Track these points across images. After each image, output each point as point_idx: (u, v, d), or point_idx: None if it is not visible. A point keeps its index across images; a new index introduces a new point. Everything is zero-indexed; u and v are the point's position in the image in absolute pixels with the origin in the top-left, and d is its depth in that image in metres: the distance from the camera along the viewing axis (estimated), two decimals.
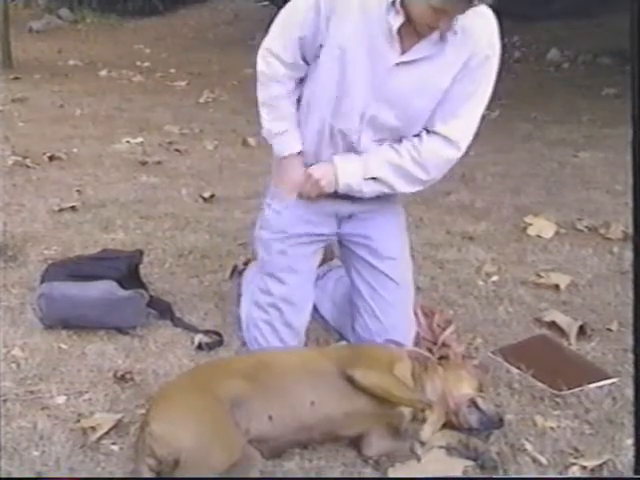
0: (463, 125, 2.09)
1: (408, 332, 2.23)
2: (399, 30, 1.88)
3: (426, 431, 1.74)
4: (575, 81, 8.09)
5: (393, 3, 1.85)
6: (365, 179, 2.07)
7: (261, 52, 2.05)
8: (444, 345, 2.18)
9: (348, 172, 2.06)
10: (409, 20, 1.86)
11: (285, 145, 2.12)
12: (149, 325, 2.38)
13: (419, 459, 1.71)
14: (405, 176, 2.08)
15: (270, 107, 2.11)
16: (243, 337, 2.27)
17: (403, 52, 1.92)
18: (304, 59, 2.02)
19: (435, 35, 1.90)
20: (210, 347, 2.24)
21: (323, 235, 2.22)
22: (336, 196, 2.13)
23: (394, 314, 2.21)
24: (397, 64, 1.93)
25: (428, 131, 2.05)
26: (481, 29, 1.94)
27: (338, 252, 2.41)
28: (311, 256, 2.24)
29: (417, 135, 2.06)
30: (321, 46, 1.96)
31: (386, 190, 2.11)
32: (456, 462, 1.73)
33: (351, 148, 2.07)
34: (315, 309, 2.37)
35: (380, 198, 2.16)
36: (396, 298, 2.22)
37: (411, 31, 1.89)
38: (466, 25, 1.88)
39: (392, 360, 1.85)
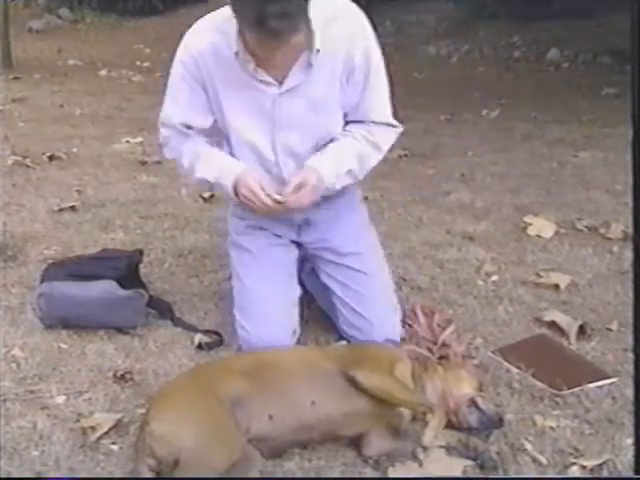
0: (387, 104, 2.13)
1: (392, 321, 2.25)
2: (260, 65, 1.94)
3: (428, 436, 1.73)
4: (575, 81, 8.10)
5: (236, 54, 1.92)
6: (340, 174, 2.08)
7: (160, 143, 2.19)
8: (444, 345, 2.18)
9: (330, 173, 2.05)
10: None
11: (231, 170, 2.03)
12: (149, 325, 2.38)
13: (421, 464, 1.71)
14: (364, 161, 2.12)
15: (189, 157, 2.11)
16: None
17: (281, 83, 1.98)
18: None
19: (301, 59, 1.94)
20: (210, 347, 2.24)
21: (282, 237, 2.26)
22: None
23: (371, 304, 2.22)
24: (279, 94, 2.00)
25: (366, 121, 2.10)
26: (340, 30, 1.97)
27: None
28: (278, 256, 2.26)
29: (356, 123, 2.11)
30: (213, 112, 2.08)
31: (351, 181, 2.14)
32: (456, 462, 1.72)
33: (279, 179, 2.11)
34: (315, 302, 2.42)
35: (332, 198, 2.18)
36: (369, 289, 2.24)
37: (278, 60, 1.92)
38: (325, 35, 1.92)
39: (393, 361, 1.85)
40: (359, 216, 2.38)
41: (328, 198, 2.16)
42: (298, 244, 2.32)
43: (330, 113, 2.08)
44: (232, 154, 2.12)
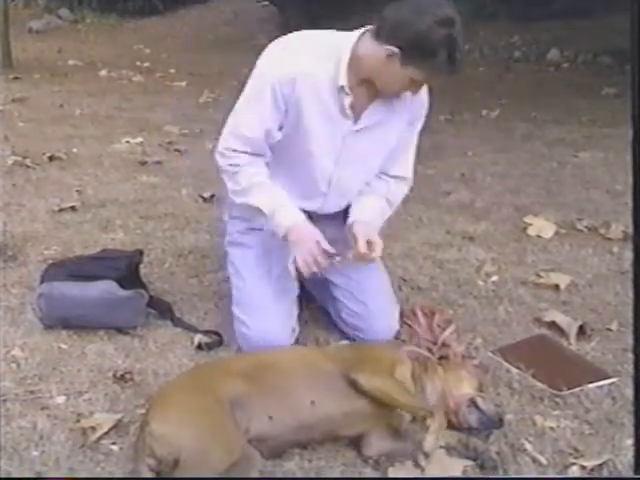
0: (411, 161, 2.30)
1: (392, 312, 2.33)
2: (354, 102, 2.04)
3: (429, 441, 1.72)
4: (575, 81, 8.10)
5: (341, 87, 1.99)
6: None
7: (221, 151, 2.12)
8: (444, 345, 2.19)
9: (377, 229, 2.19)
10: (361, 81, 2.00)
11: (289, 216, 2.09)
12: (149, 325, 2.38)
13: (422, 470, 1.70)
14: (382, 218, 2.27)
15: (246, 193, 2.11)
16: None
17: (356, 118, 2.08)
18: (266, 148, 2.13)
19: (383, 100, 2.07)
20: (210, 347, 2.24)
21: None
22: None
23: (372, 294, 2.29)
24: (351, 132, 2.10)
25: (386, 174, 2.26)
26: (422, 91, 2.10)
27: None
28: (278, 256, 2.25)
29: (378, 179, 2.26)
30: (281, 128, 2.08)
31: None
32: (456, 462, 1.72)
33: (316, 207, 2.23)
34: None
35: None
36: (370, 280, 2.30)
37: (362, 93, 2.04)
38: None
39: (393, 362, 1.85)
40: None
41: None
42: None
43: (382, 159, 2.22)
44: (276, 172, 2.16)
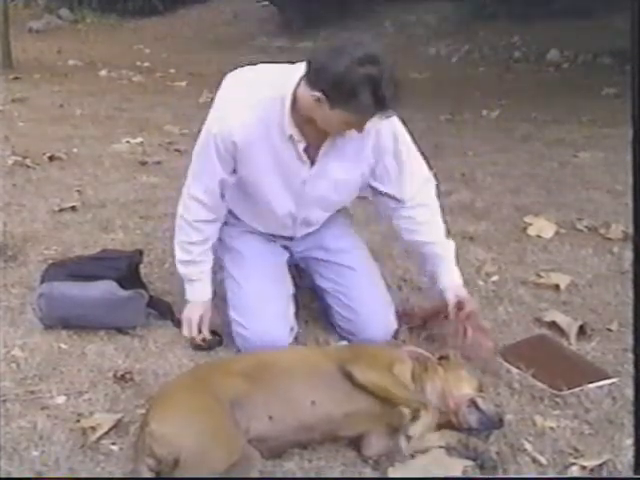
0: (416, 167, 2.25)
1: (385, 314, 2.31)
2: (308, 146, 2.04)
3: (415, 427, 1.73)
4: (575, 81, 8.10)
5: (290, 137, 1.99)
6: None
7: (182, 197, 2.21)
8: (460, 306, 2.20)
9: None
10: (308, 120, 1.97)
11: (196, 293, 2.26)
12: (149, 325, 2.38)
13: (401, 452, 1.72)
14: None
15: (184, 251, 2.24)
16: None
17: (312, 160, 2.08)
18: (223, 196, 2.18)
19: (335, 138, 2.04)
20: (210, 346, 2.24)
21: (275, 237, 2.33)
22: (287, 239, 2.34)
23: (362, 298, 2.28)
24: (310, 176, 2.10)
25: (407, 204, 2.25)
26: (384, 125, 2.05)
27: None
28: (271, 258, 2.32)
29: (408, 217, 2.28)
30: (234, 171, 2.11)
31: None
32: (456, 462, 1.72)
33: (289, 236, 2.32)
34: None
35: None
36: (359, 284, 2.30)
37: (312, 131, 2.00)
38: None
39: (392, 360, 1.86)
40: (346, 215, 2.47)
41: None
42: (288, 251, 2.38)
43: (349, 193, 2.25)
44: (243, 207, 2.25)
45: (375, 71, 1.77)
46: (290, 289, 2.31)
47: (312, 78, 1.85)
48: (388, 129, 2.09)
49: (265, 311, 2.18)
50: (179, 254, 2.25)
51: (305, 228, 2.30)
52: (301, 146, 2.02)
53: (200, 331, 2.24)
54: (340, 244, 2.36)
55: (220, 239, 2.33)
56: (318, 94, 1.84)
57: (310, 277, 2.42)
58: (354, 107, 1.82)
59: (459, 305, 2.20)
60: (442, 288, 2.25)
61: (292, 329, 2.23)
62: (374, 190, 2.25)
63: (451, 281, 2.25)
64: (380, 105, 1.81)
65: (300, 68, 1.92)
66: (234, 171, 2.10)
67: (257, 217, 2.26)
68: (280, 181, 2.10)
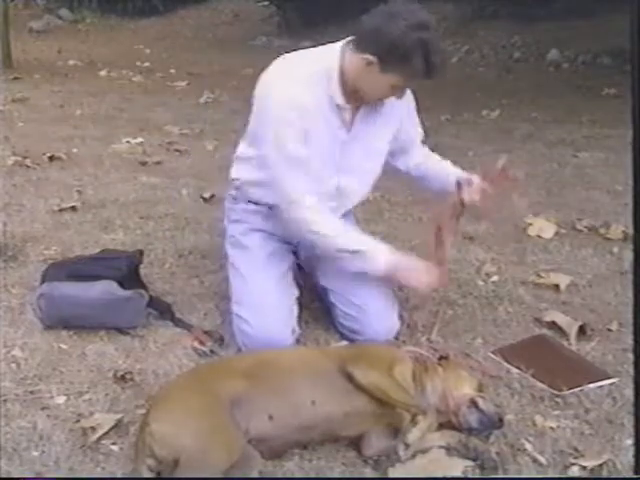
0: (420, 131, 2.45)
1: (389, 314, 2.31)
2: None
3: (413, 434, 1.73)
4: (575, 81, 8.09)
5: (339, 105, 2.07)
6: None
7: (295, 205, 2.10)
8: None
9: None
10: (350, 92, 2.06)
11: (379, 249, 2.13)
12: (149, 325, 2.37)
13: (400, 460, 1.72)
14: None
15: (343, 237, 2.12)
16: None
17: (347, 128, 2.15)
18: None
19: (369, 106, 2.13)
20: (212, 351, 2.24)
21: (285, 236, 2.32)
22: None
23: (367, 297, 2.27)
24: (347, 140, 2.17)
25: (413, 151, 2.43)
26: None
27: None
28: (278, 259, 2.31)
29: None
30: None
31: None
32: (456, 462, 1.72)
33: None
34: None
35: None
36: (365, 283, 2.28)
37: (352, 101, 2.10)
38: None
39: (393, 361, 1.85)
40: (351, 214, 2.47)
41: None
42: (293, 251, 2.39)
43: (379, 160, 2.30)
44: None
45: (428, 37, 1.88)
46: (295, 292, 2.31)
47: (364, 42, 1.94)
48: (410, 100, 2.26)
49: (271, 310, 2.18)
50: (343, 242, 2.12)
51: (343, 203, 2.30)
52: (347, 114, 2.10)
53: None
54: None
55: (230, 235, 2.34)
56: (370, 57, 1.93)
57: (313, 277, 2.42)
58: (405, 71, 1.93)
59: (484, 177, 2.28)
60: (458, 178, 2.31)
61: (294, 331, 2.23)
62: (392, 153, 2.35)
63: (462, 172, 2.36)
64: (430, 70, 1.92)
65: (337, 44, 2.04)
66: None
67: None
68: (326, 150, 2.14)
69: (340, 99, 2.06)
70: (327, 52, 2.08)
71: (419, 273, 2.15)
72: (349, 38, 2.04)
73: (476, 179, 2.26)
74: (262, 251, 2.29)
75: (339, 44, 2.06)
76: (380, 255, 2.12)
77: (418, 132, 2.42)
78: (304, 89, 2.04)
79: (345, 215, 2.37)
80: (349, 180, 2.26)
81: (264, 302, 2.20)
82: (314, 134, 2.07)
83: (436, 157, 2.50)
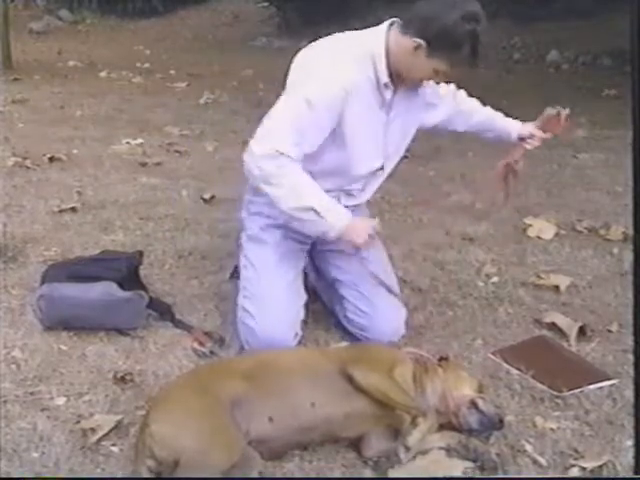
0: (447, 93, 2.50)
1: (398, 313, 2.34)
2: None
3: (414, 437, 1.73)
4: (575, 82, 8.09)
5: (386, 85, 2.09)
6: None
7: (270, 153, 1.98)
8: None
9: None
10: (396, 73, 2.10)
11: (342, 212, 2.08)
12: (149, 326, 2.37)
13: (400, 462, 1.72)
14: None
15: (304, 187, 2.03)
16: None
17: (387, 109, 2.17)
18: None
19: (406, 88, 2.17)
20: (212, 352, 2.24)
21: (300, 241, 2.30)
22: None
23: (379, 293, 2.29)
24: (388, 121, 2.19)
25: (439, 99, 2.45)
26: None
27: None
28: (294, 260, 2.30)
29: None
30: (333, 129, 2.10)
31: None
32: (456, 463, 1.72)
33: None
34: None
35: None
36: (378, 279, 2.29)
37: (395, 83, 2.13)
38: None
39: (393, 362, 1.85)
40: (366, 210, 2.47)
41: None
42: (312, 244, 2.36)
43: (411, 138, 2.34)
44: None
45: (478, 28, 1.96)
46: (304, 296, 2.30)
47: (416, 26, 1.99)
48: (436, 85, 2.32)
49: (279, 308, 2.19)
50: (298, 201, 2.01)
51: (372, 186, 2.32)
52: (389, 94, 2.12)
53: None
54: None
55: (249, 228, 2.32)
56: (420, 41, 1.97)
57: (326, 272, 2.41)
58: (453, 58, 1.99)
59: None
60: (519, 134, 2.46)
61: (297, 335, 2.22)
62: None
63: (515, 124, 2.48)
64: (473, 60, 2.01)
65: (381, 27, 2.09)
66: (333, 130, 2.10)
67: (340, 168, 2.19)
68: (370, 132, 2.17)
69: (385, 77, 2.08)
70: (371, 35, 2.10)
71: (362, 231, 2.07)
72: (394, 19, 2.08)
73: (534, 130, 2.43)
74: (279, 249, 2.27)
75: (383, 26, 2.09)
76: (336, 221, 2.04)
77: (439, 91, 2.42)
78: (351, 70, 2.06)
79: (361, 212, 2.38)
80: (389, 162, 2.30)
81: (273, 300, 2.20)
82: (356, 116, 2.09)
83: (475, 105, 2.58)
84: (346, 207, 2.13)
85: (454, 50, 1.97)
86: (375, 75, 2.08)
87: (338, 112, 2.05)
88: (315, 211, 2.01)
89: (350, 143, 2.13)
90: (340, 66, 2.05)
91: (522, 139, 2.45)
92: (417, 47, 1.98)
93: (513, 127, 2.48)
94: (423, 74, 2.09)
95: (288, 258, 2.27)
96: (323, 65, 2.08)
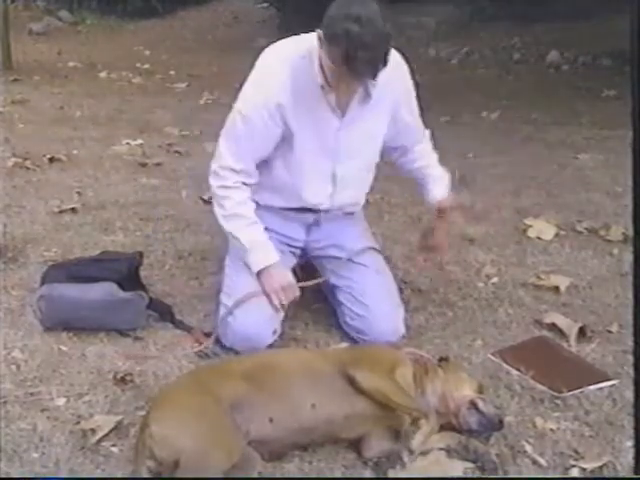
0: (419, 120, 2.44)
1: (395, 315, 2.33)
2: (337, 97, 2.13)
3: (417, 440, 1.73)
4: (575, 83, 8.10)
5: (322, 87, 2.08)
6: None
7: (214, 170, 2.23)
8: None
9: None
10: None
11: (270, 254, 2.21)
12: (149, 327, 2.37)
13: (404, 465, 1.71)
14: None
15: (238, 217, 2.20)
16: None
17: (343, 113, 2.17)
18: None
19: (363, 93, 2.15)
20: (214, 352, 2.24)
21: (291, 238, 2.36)
22: (301, 210, 2.33)
23: (375, 297, 2.30)
24: (340, 128, 2.19)
25: (412, 150, 2.45)
26: (395, 77, 2.20)
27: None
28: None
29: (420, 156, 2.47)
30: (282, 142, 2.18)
31: None
32: (456, 464, 1.72)
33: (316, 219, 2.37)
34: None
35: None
36: (373, 282, 2.33)
37: (342, 88, 2.10)
38: (382, 79, 2.04)
39: (394, 363, 1.85)
40: (361, 216, 2.51)
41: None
42: (302, 249, 2.41)
43: (377, 145, 2.33)
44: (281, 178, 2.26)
45: (356, 31, 1.85)
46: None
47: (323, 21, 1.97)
48: (402, 85, 2.29)
49: (255, 306, 2.20)
50: (233, 226, 2.21)
51: (343, 192, 2.31)
52: (332, 97, 2.11)
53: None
54: (357, 245, 2.40)
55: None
56: (320, 32, 1.96)
57: (319, 276, 2.42)
58: (332, 53, 1.94)
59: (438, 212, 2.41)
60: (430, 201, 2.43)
61: (275, 331, 2.23)
62: (388, 145, 2.38)
63: (435, 195, 2.42)
64: (349, 62, 1.89)
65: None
66: (282, 138, 2.16)
67: (298, 183, 2.26)
68: (317, 137, 2.18)
69: (320, 79, 2.07)
70: (307, 37, 2.12)
71: (278, 285, 2.19)
72: None
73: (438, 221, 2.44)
74: None
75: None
76: (258, 260, 2.20)
77: (417, 124, 2.42)
78: (284, 74, 2.09)
79: (354, 216, 2.42)
80: (348, 166, 2.27)
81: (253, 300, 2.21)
82: (302, 118, 2.12)
83: (432, 161, 2.51)
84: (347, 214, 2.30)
85: (332, 44, 1.92)
86: (314, 77, 2.07)
87: (277, 120, 2.11)
88: (241, 243, 2.19)
89: (300, 154, 2.18)
90: (273, 74, 2.10)
91: (439, 209, 2.41)
92: (319, 38, 1.98)
93: (433, 195, 2.43)
94: (329, 71, 2.02)
95: None
96: (256, 74, 2.15)
